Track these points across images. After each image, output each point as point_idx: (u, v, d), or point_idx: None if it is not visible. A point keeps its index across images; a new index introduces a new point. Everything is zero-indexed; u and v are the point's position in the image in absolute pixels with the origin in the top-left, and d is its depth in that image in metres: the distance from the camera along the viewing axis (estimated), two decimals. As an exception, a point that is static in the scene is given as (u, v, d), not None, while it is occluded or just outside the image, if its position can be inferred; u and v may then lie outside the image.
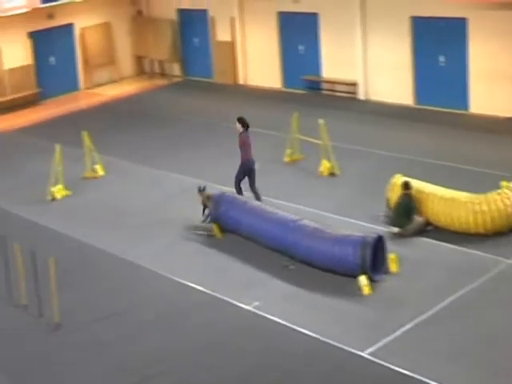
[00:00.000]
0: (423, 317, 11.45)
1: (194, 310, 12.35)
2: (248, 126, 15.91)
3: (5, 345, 11.91)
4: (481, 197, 14.00)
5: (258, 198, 15.78)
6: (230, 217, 14.70)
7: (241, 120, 15.95)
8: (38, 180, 18.42)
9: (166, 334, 11.74)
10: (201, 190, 15.47)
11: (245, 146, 15.81)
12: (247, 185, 15.89)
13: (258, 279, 13.13)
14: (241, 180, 15.90)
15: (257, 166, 15.94)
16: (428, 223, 14.32)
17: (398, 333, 11.09)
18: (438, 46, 22.61)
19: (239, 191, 15.85)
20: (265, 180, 17.40)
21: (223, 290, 12.77)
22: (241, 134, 15.92)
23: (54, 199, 17.49)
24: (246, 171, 15.86)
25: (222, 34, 28.01)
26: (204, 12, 28.42)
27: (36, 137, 22.80)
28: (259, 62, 27.03)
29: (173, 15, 29.37)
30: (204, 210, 15.36)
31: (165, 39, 29.13)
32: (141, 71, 30.27)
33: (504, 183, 14.61)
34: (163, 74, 29.48)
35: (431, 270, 12.97)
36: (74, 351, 11.53)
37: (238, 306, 12.28)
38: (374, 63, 23.93)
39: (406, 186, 14.36)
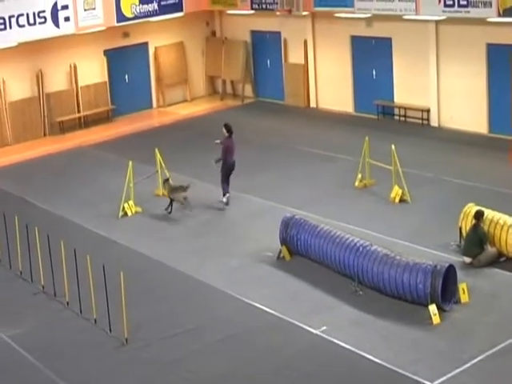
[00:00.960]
0: (494, 349, 11.26)
1: (262, 332, 12.38)
2: (232, 132, 17.87)
3: (73, 358, 12.11)
4: (555, 228, 13.74)
5: (224, 192, 17.76)
6: (300, 239, 14.73)
7: (226, 126, 17.96)
8: (110, 195, 18.75)
9: (234, 355, 11.79)
10: (164, 182, 17.62)
11: (227, 150, 17.72)
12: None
13: (327, 303, 13.10)
14: (225, 180, 17.89)
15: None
16: (501, 254, 14.09)
17: (468, 365, 10.93)
18: (512, 73, 22.33)
19: (225, 188, 17.90)
20: (335, 204, 17.45)
21: (291, 313, 12.77)
22: (225, 139, 17.85)
23: (125, 215, 17.75)
24: (228, 172, 17.85)
25: (294, 57, 28.13)
26: (277, 34, 28.60)
27: (109, 153, 23.20)
28: (331, 86, 27.03)
29: (246, 36, 29.62)
30: (171, 203, 17.33)
31: (237, 60, 29.39)
32: (213, 91, 30.55)
33: None
34: (235, 95, 29.71)
35: (503, 302, 12.75)
36: (141, 367, 11.67)
37: (305, 330, 12.26)
38: (447, 90, 23.71)
39: (479, 215, 14.17)
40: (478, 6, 21.07)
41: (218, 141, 18.10)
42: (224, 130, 17.98)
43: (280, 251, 14.90)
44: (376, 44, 25.68)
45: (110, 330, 12.51)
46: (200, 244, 15.99)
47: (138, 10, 26.67)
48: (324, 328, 12.23)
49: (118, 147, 23.78)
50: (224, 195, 17.95)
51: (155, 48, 28.86)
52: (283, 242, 14.96)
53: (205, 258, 15.30)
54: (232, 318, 12.93)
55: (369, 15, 24.38)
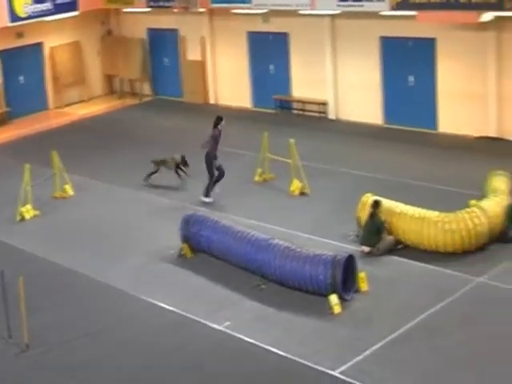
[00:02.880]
0: (393, 336, 11.50)
1: (166, 331, 12.31)
2: (215, 125, 17.71)
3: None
4: (450, 215, 14.13)
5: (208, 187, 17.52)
6: (202, 236, 14.71)
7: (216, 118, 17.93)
8: (6, 200, 18.28)
9: (139, 356, 11.67)
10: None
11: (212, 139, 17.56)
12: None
13: (230, 299, 13.12)
14: (213, 167, 17.53)
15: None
16: (398, 242, 14.42)
17: (369, 352, 11.13)
18: (407, 66, 22.86)
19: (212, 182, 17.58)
20: (236, 200, 17.50)
21: (195, 310, 12.75)
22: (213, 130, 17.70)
23: (22, 219, 17.37)
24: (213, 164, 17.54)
25: (192, 54, 28.09)
26: (174, 31, 28.49)
27: (4, 156, 22.65)
28: (229, 82, 27.13)
29: (143, 34, 29.40)
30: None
31: (135, 58, 29.15)
32: (111, 90, 30.22)
33: (473, 202, 14.79)
34: (133, 94, 29.45)
35: (401, 288, 13.05)
36: (43, 373, 11.43)
37: (210, 327, 12.26)
38: (343, 83, 24.11)
39: (376, 204, 14.46)
40: (372, 0, 21.49)
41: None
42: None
43: (181, 249, 14.86)
44: (273, 39, 25.89)
45: (10, 337, 12.22)
46: (102, 245, 15.78)
47: (32, 10, 26.10)
48: (228, 323, 12.26)
49: (15, 150, 23.27)
50: (206, 197, 17.58)
51: (50, 48, 28.32)
52: (185, 239, 14.92)
53: (107, 259, 15.11)
54: (136, 318, 12.81)
55: (265, 11, 24.54)
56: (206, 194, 17.49)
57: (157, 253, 15.04)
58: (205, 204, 17.15)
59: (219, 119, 17.82)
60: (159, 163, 19.02)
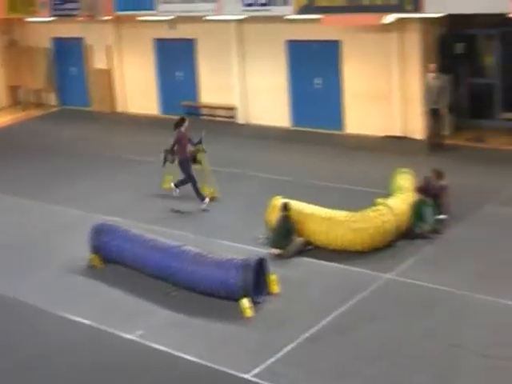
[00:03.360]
0: (305, 336, 11.57)
1: (79, 344, 12.05)
2: (177, 126, 17.23)
3: None
4: (357, 214, 14.34)
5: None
6: (113, 246, 14.52)
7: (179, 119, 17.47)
8: None
9: (51, 372, 11.39)
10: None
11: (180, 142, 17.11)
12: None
13: (142, 308, 12.98)
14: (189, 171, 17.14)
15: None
16: (308, 243, 14.55)
17: (282, 353, 11.17)
18: (313, 68, 23.15)
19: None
20: (144, 207, 17.35)
21: (107, 321, 12.54)
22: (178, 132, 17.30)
23: None
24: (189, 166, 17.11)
25: (98, 62, 27.82)
26: (80, 40, 28.14)
27: None
28: (137, 89, 26.96)
29: (48, 44, 28.94)
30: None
31: (39, 68, 28.67)
32: (15, 101, 29.61)
33: (379, 200, 15.03)
34: (38, 104, 28.93)
35: (312, 288, 13.16)
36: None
37: (123, 337, 12.08)
38: (251, 87, 24.25)
39: (285, 207, 14.55)
40: (277, 4, 21.67)
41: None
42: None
43: (90, 260, 14.64)
44: (180, 46, 25.87)
45: None
46: (9, 259, 15.39)
47: None
48: (141, 333, 12.11)
49: None
50: (203, 199, 17.08)
51: (-49, 59, 27.67)
52: (95, 249, 14.69)
53: (14, 273, 14.73)
54: (46, 332, 12.52)
55: (172, 17, 24.47)
56: (201, 199, 17.06)
57: (66, 265, 14.76)
58: (115, 213, 16.87)
59: (182, 120, 17.35)
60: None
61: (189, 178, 17.16)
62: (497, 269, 13.33)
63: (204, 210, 16.88)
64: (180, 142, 17.14)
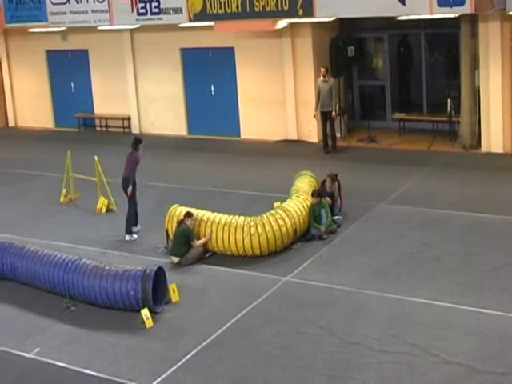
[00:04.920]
0: (206, 342, 11.56)
1: (-31, 366, 11.74)
2: (135, 147, 15.88)
3: None
4: (255, 219, 14.42)
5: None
6: (6, 263, 14.16)
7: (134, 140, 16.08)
8: None
9: None
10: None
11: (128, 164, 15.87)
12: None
13: (39, 324, 12.68)
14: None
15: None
16: (206, 250, 14.56)
17: (182, 362, 11.12)
18: (209, 76, 23.22)
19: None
20: (42, 223, 17.05)
21: (1, 340, 12.23)
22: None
23: None
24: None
25: (-12, 76, 27.17)
26: (-33, 54, 27.45)
27: None
28: (30, 103, 26.47)
29: None
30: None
31: None
32: None
33: (276, 204, 15.19)
34: None
35: (212, 295, 13.16)
36: None
37: (18, 355, 11.77)
38: (146, 96, 24.13)
39: (187, 215, 14.50)
40: (170, 13, 21.62)
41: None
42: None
43: (-12, 277, 14.27)
44: (73, 57, 25.57)
45: None
46: None
47: None
48: (37, 350, 11.83)
49: None
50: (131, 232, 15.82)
51: None
52: (-14, 268, 14.32)
53: None
54: None
55: (63, 28, 24.13)
56: (129, 231, 15.80)
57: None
58: (6, 230, 16.43)
59: (138, 141, 15.97)
60: None
61: (129, 203, 15.93)
62: (390, 265, 13.64)
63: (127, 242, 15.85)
64: (137, 163, 15.91)
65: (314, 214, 14.99)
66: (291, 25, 21.10)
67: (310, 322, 11.90)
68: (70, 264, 13.40)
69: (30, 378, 11.27)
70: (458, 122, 20.59)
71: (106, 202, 17.36)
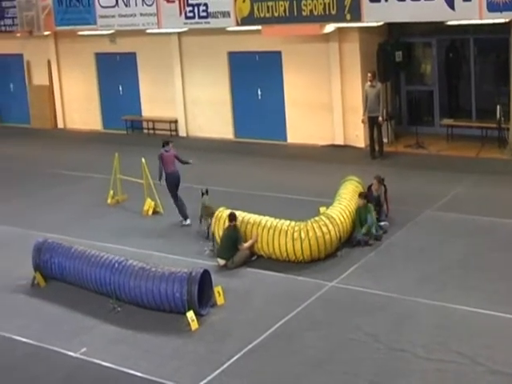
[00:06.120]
0: (250, 346, 11.57)
1: (21, 364, 11.86)
2: (163, 145, 16.97)
3: None
4: (300, 224, 14.39)
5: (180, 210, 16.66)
6: (54, 263, 14.35)
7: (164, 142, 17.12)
8: None
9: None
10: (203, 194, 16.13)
11: (162, 161, 16.70)
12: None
13: (86, 324, 12.83)
14: (173, 194, 16.73)
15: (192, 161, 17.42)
16: (252, 253, 14.57)
17: (227, 365, 11.15)
18: (256, 79, 23.27)
19: (178, 203, 16.77)
20: (89, 224, 17.23)
21: (50, 339, 12.37)
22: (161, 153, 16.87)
23: None
24: (171, 186, 16.70)
25: (38, 78, 27.54)
26: (19, 56, 27.84)
27: None
28: (78, 105, 26.78)
29: (-14, 61, 28.62)
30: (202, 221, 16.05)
31: (-23, 86, 28.33)
32: (-47, 119, 29.21)
33: (321, 210, 15.15)
34: (-24, 123, 28.57)
35: (258, 298, 13.18)
36: None
37: (66, 355, 11.92)
38: (193, 100, 24.26)
39: (232, 217, 14.56)
40: (218, 17, 21.72)
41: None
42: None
43: (34, 278, 14.45)
44: (121, 60, 25.79)
45: None
46: None
47: None
48: (84, 350, 11.98)
49: None
50: (185, 218, 16.76)
51: None
52: (36, 268, 14.52)
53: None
54: (-14, 353, 12.35)
55: (112, 31, 24.38)
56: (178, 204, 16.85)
57: (7, 284, 14.52)
58: (56, 230, 16.66)
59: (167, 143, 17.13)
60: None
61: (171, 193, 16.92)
62: (437, 273, 13.52)
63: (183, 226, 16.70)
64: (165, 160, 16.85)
65: (360, 218, 14.92)
66: (339, 29, 21.06)
67: (356, 327, 11.85)
68: (116, 265, 13.53)
69: (77, 377, 11.41)
70: (508, 129, 20.33)
71: (153, 204, 17.48)
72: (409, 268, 13.78)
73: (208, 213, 15.85)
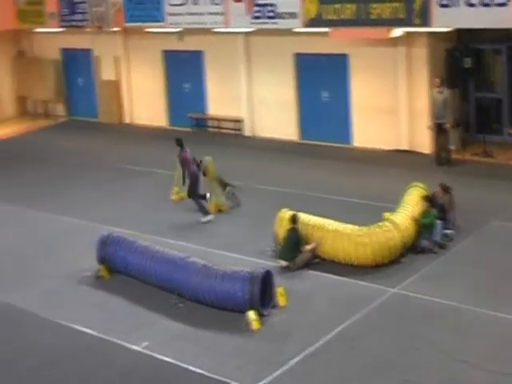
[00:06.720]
0: (311, 349, 11.58)
1: (83, 354, 12.08)
2: (182, 146, 17.51)
3: None
4: (364, 229, 14.33)
5: (201, 208, 17.07)
6: (118, 257, 14.55)
7: (177, 141, 17.65)
8: None
9: (55, 381, 11.44)
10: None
11: (184, 161, 17.23)
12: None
13: (148, 319, 13.00)
14: (196, 192, 17.20)
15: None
16: (315, 256, 14.55)
17: (287, 366, 11.17)
18: (322, 81, 23.19)
19: (201, 201, 17.22)
20: (153, 219, 17.41)
21: (112, 332, 12.57)
22: (180, 153, 17.42)
23: None
24: (194, 184, 17.16)
25: (106, 73, 27.90)
26: (88, 51, 28.26)
27: None
28: (145, 101, 27.04)
29: (56, 55, 29.07)
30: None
31: (48, 79, 28.78)
32: (24, 112, 29.71)
33: (386, 215, 15.03)
34: (47, 115, 29.03)
35: (319, 302, 13.17)
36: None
37: (127, 348, 12.09)
38: (259, 100, 24.30)
39: (293, 219, 14.57)
40: (285, 18, 21.72)
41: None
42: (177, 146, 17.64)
43: (98, 270, 14.68)
44: (188, 57, 25.95)
45: None
46: (14, 268, 15.45)
47: None
48: (146, 344, 12.13)
49: None
50: (205, 214, 17.18)
51: (-40, 69, 27.82)
52: (101, 260, 14.73)
53: (20, 282, 14.78)
54: (50, 342, 12.54)
55: (180, 29, 24.56)
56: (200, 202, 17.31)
57: (73, 276, 14.79)
58: (120, 224, 16.87)
59: (178, 142, 17.69)
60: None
61: (191, 188, 17.30)
62: (501, 284, 13.32)
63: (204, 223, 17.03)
64: (187, 160, 17.37)
65: (424, 224, 14.76)
66: (407, 34, 20.86)
67: (417, 335, 11.77)
68: (179, 261, 13.65)
69: (137, 371, 11.55)
70: None
71: (217, 202, 17.55)
72: (472, 278, 13.60)
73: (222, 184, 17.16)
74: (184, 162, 17.35)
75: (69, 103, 29.03)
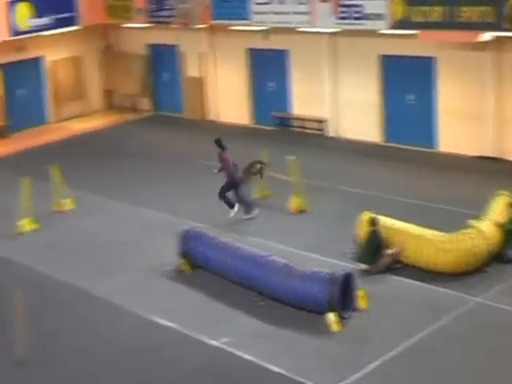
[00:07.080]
0: (390, 354, 11.50)
1: (162, 346, 12.28)
2: (222, 146, 17.56)
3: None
4: (446, 235, 14.13)
5: (246, 208, 17.29)
6: (199, 252, 14.70)
7: (216, 142, 17.64)
8: (5, 214, 18.27)
9: (134, 371, 11.64)
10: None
11: (225, 163, 17.37)
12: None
13: (228, 315, 13.11)
14: (225, 192, 17.39)
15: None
16: (396, 261, 14.42)
17: (366, 370, 11.13)
18: (407, 84, 22.93)
19: (225, 200, 17.41)
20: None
21: (193, 326, 12.73)
22: (219, 154, 17.53)
23: (21, 233, 17.35)
24: (232, 185, 17.30)
25: (191, 70, 28.17)
26: (174, 47, 28.59)
27: (3, 170, 22.65)
28: (229, 98, 27.18)
29: (143, 50, 29.50)
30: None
31: (135, 74, 29.24)
32: (110, 105, 30.27)
33: (471, 222, 14.75)
34: (133, 109, 29.50)
35: (400, 307, 13.05)
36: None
37: (207, 343, 12.22)
38: (343, 100, 24.18)
39: (373, 222, 14.47)
40: (371, 19, 21.57)
41: (216, 170, 17.88)
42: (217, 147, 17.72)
43: (180, 264, 14.85)
44: (273, 56, 25.98)
45: (7, 349, 12.16)
46: (100, 260, 15.78)
47: (34, 24, 26.22)
48: (225, 340, 12.23)
49: (13, 164, 23.28)
50: (232, 207, 17.48)
51: (51, 62, 28.40)
52: (183, 255, 14.91)
53: (105, 274, 15.10)
54: (131, 333, 12.79)
55: (265, 28, 24.63)
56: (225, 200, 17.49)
57: (155, 268, 15.03)
58: (201, 219, 17.05)
59: (219, 143, 17.75)
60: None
61: (224, 186, 17.49)
62: None
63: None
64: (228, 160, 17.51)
65: (510, 230, 14.43)
66: (496, 38, 20.46)
67: (499, 346, 11.57)
68: (260, 259, 13.71)
69: (215, 366, 11.67)
70: None
71: (299, 202, 17.55)
72: (560, 291, 13.28)
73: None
74: (223, 163, 17.44)
75: (154, 98, 29.43)
